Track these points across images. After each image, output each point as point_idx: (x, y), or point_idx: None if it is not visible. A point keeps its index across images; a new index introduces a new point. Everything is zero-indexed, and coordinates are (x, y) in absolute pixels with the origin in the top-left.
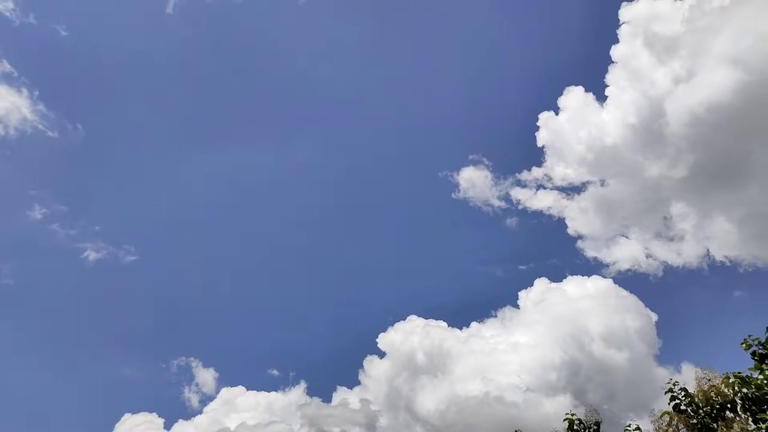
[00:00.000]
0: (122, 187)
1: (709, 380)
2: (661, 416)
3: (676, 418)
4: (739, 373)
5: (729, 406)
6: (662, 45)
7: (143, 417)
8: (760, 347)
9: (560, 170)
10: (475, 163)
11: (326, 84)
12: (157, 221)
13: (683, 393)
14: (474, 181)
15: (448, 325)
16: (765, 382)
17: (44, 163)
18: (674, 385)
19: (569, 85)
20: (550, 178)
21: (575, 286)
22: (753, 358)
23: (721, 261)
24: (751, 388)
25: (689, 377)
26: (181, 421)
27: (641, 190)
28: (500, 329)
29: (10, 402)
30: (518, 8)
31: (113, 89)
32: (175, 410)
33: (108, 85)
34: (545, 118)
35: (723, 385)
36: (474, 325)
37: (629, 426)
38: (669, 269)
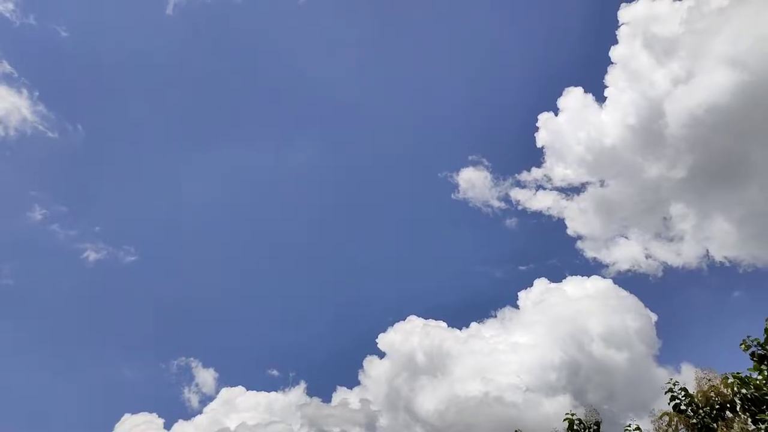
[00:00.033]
0: (122, 188)
1: (709, 380)
2: (661, 417)
3: (675, 419)
4: (738, 373)
5: (728, 406)
6: (661, 46)
7: (143, 417)
8: (759, 348)
9: (560, 171)
10: (474, 163)
11: (326, 84)
12: (156, 222)
13: (683, 393)
14: (473, 181)
15: (448, 326)
16: (764, 382)
17: (44, 163)
18: (674, 385)
19: (568, 85)
20: (549, 179)
21: (575, 286)
22: (752, 359)
23: (720, 261)
24: (750, 388)
25: (689, 377)
26: (181, 421)
27: (641, 190)
28: (500, 329)
29: (10, 402)
30: (517, 9)
31: (113, 90)
32: (175, 410)
33: (108, 85)
34: (545, 118)
35: (722, 385)
36: (474, 325)
37: (629, 426)
38: (668, 270)
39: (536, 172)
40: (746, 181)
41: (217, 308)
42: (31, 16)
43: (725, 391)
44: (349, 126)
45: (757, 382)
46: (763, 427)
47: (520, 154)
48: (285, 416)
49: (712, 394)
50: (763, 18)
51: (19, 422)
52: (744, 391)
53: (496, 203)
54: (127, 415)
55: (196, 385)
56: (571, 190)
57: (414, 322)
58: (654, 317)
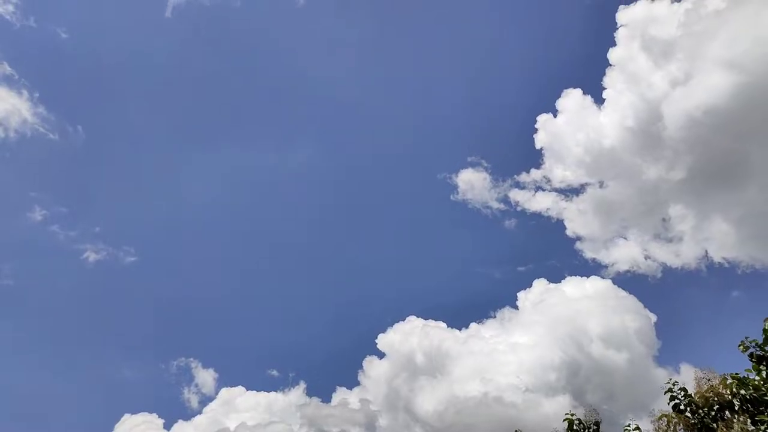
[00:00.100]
0: (122, 189)
1: (708, 381)
2: (660, 418)
3: (675, 420)
4: (737, 374)
5: (728, 407)
6: (659, 48)
7: (143, 417)
8: (758, 349)
9: (559, 172)
10: (473, 165)
11: (325, 85)
12: (156, 222)
13: (682, 393)
14: (473, 182)
15: (448, 326)
16: (762, 383)
17: (44, 164)
18: (673, 385)
19: (567, 87)
20: (548, 180)
21: (574, 287)
22: (750, 360)
23: (719, 262)
24: (749, 389)
25: (688, 378)
26: (180, 421)
27: (640, 191)
28: (499, 330)
29: (10, 402)
30: (516, 11)
31: (113, 91)
32: (174, 411)
33: (108, 87)
34: (543, 120)
35: (721, 386)
36: (473, 325)
37: (629, 426)
38: (668, 270)
39: (535, 174)
40: (745, 182)
41: (217, 308)
42: (31, 18)
43: (724, 391)
44: (348, 126)
45: (756, 382)
46: (762, 428)
47: (519, 156)
48: (285, 416)
49: (711, 394)
50: (760, 20)
51: (19, 422)
52: (743, 391)
53: (495, 204)
54: (126, 416)
55: (196, 385)
56: (570, 191)
57: (413, 323)
58: (653, 318)
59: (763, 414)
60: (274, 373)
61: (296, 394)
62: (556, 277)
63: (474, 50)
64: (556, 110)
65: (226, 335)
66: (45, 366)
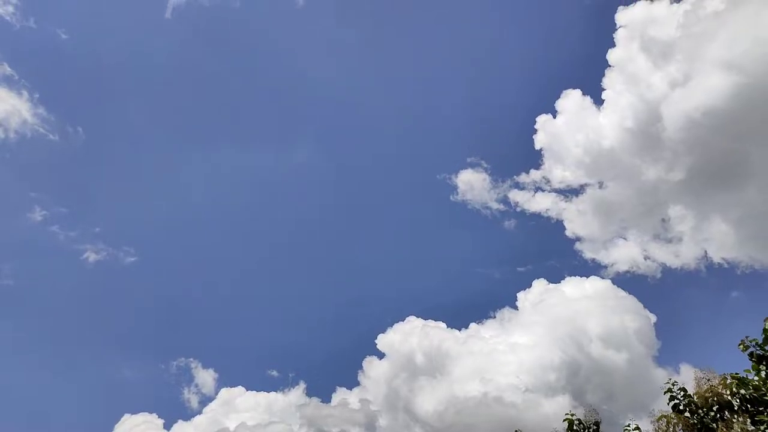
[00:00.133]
0: (122, 189)
1: (708, 380)
2: (659, 419)
3: (674, 420)
4: (736, 374)
5: (727, 406)
6: (658, 49)
7: (143, 417)
8: (758, 348)
9: (558, 173)
10: (473, 165)
11: (325, 85)
12: (156, 223)
13: (682, 393)
14: (472, 183)
15: (447, 326)
16: (762, 383)
17: (44, 165)
18: (673, 385)
19: (567, 88)
20: (548, 181)
21: (574, 287)
22: (750, 360)
23: (718, 263)
24: (749, 389)
25: (687, 378)
26: (180, 421)
27: (639, 192)
28: (499, 330)
29: (10, 402)
30: (516, 12)
31: (113, 92)
32: (174, 411)
33: (108, 88)
34: (543, 121)
35: (721, 386)
36: (473, 326)
37: (628, 426)
38: (667, 271)
39: (535, 174)
40: (744, 183)
41: (217, 308)
42: (31, 19)
43: (723, 391)
44: (348, 127)
45: (755, 382)
46: (762, 428)
47: (519, 156)
48: (284, 416)
49: (711, 394)
50: (759, 21)
51: (19, 422)
52: (743, 391)
53: (494, 205)
54: (126, 416)
55: (196, 385)
56: (569, 192)
57: (413, 323)
58: (653, 318)
59: (763, 414)
60: (274, 373)
61: (296, 395)
62: (555, 278)
63: (473, 51)
64: (556, 111)
65: (226, 335)
66: (45, 366)
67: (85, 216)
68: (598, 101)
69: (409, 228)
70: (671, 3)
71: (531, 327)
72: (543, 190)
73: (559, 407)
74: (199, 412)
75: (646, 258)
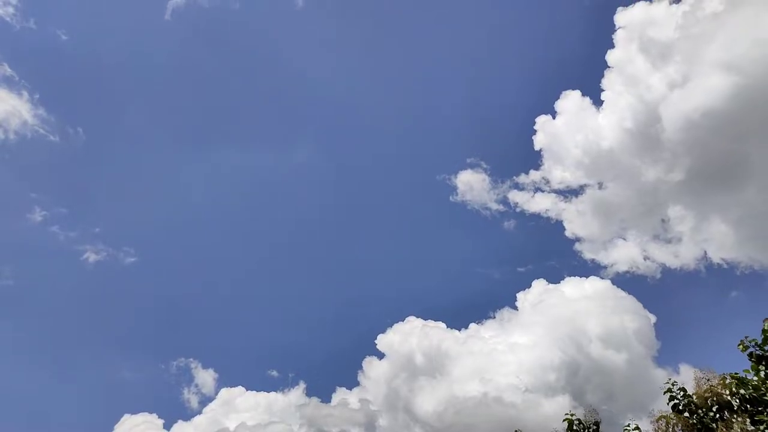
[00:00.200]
0: (122, 190)
1: (708, 380)
2: (658, 419)
3: (674, 420)
4: (736, 374)
5: (727, 406)
6: (657, 50)
7: (143, 417)
8: (757, 348)
9: (558, 173)
10: (472, 166)
11: (324, 86)
12: (156, 223)
13: (682, 393)
14: (472, 184)
15: (447, 327)
16: (762, 383)
17: (44, 166)
18: (673, 385)
19: (566, 89)
20: (547, 181)
21: (573, 287)
22: (750, 360)
23: (718, 263)
24: (749, 389)
25: (687, 378)
26: (180, 421)
27: (639, 193)
28: (499, 330)
29: (10, 403)
30: (515, 13)
31: (113, 93)
32: (174, 411)
33: (108, 88)
34: (542, 121)
35: (720, 386)
36: (472, 326)
37: (628, 426)
38: (667, 271)
39: (534, 175)
40: (743, 184)
41: (217, 309)
42: (31, 19)
43: (723, 391)
44: (348, 127)
45: (755, 382)
46: (762, 428)
47: (518, 157)
48: (284, 416)
49: (710, 394)
50: (757, 22)
51: (19, 422)
52: (742, 391)
53: (494, 205)
54: (126, 416)
55: (196, 385)
56: (569, 193)
57: (413, 323)
58: (653, 318)
59: (763, 414)
60: (274, 373)
61: (296, 395)
62: (555, 278)
63: (473, 51)
64: (555, 112)
65: (226, 335)
66: (45, 366)
67: (85, 216)
68: (598, 102)
69: (408, 228)
70: (670, 4)
71: (531, 327)
72: (542, 191)
73: (558, 407)
74: (199, 412)
75: (645, 258)
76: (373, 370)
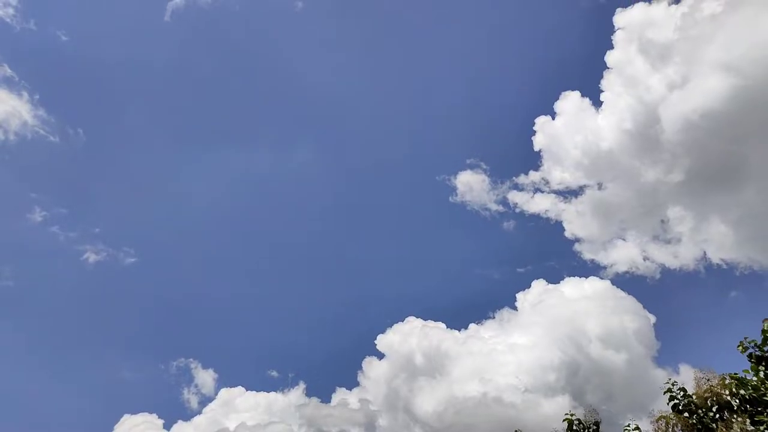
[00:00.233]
0: (122, 190)
1: (708, 380)
2: (658, 419)
3: (674, 420)
4: (736, 374)
5: (726, 407)
6: (657, 51)
7: (143, 418)
8: (756, 349)
9: (557, 174)
10: (472, 167)
11: (324, 87)
12: (156, 223)
13: (682, 393)
14: (471, 184)
15: (447, 327)
16: (761, 383)
17: (44, 166)
18: (673, 385)
19: (565, 89)
20: (547, 182)
21: (573, 287)
22: (749, 360)
23: (717, 264)
24: (749, 389)
25: (687, 378)
26: (180, 421)
27: (638, 193)
28: (498, 331)
29: (10, 403)
30: (515, 14)
31: (113, 94)
32: (174, 411)
33: (108, 89)
34: (542, 122)
35: (720, 386)
36: (472, 326)
37: (628, 426)
38: (666, 271)
39: (534, 175)
40: (742, 184)
41: (217, 308)
42: (31, 20)
43: (723, 392)
44: (347, 128)
45: (754, 383)
46: (761, 428)
47: (518, 157)
48: (284, 416)
49: (710, 394)
50: (756, 24)
51: (19, 423)
52: (742, 392)
53: (494, 206)
54: (126, 416)
55: (196, 385)
56: (568, 193)
57: (413, 324)
58: (652, 318)
59: (762, 414)
60: (274, 373)
61: (296, 395)
62: (554, 278)
63: (473, 53)
64: (555, 112)
65: (226, 335)
66: (45, 366)
67: (85, 217)
68: (597, 103)
69: (408, 229)
70: (669, 5)
71: (530, 327)
72: (542, 191)
73: (558, 407)
74: (199, 413)
75: (645, 259)
76: (372, 370)
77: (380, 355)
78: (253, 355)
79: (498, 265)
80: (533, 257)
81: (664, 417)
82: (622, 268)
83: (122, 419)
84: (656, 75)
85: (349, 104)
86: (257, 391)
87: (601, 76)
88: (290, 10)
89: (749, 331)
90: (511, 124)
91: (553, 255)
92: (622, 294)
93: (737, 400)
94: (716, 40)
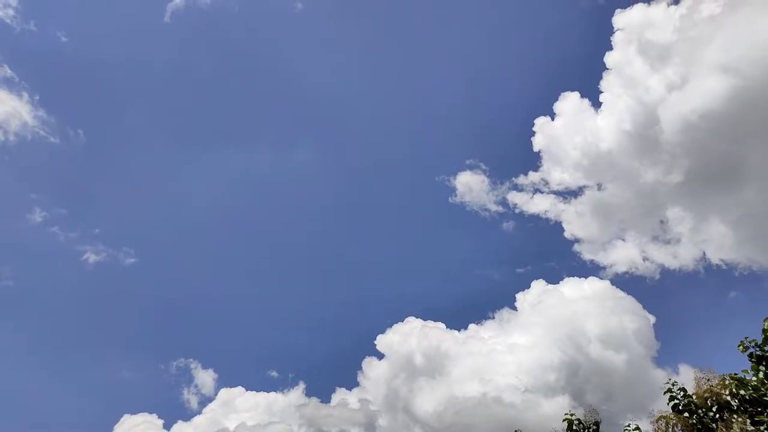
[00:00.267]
0: (122, 191)
1: (708, 381)
2: (658, 419)
3: (673, 420)
4: (736, 374)
5: (726, 407)
6: (656, 52)
7: (142, 418)
8: (757, 349)
9: (557, 175)
10: (472, 167)
11: (324, 88)
12: (156, 224)
13: (682, 393)
14: (471, 185)
15: (447, 327)
16: (761, 383)
17: (45, 167)
18: (673, 385)
19: (565, 90)
20: (546, 183)
21: (572, 288)
22: (750, 360)
23: (717, 264)
24: (749, 389)
25: (687, 378)
26: (180, 422)
27: (637, 194)
28: (498, 331)
29: (10, 403)
30: (514, 14)
31: (113, 94)
32: (174, 411)
33: (108, 90)
34: (541, 123)
35: (720, 386)
36: (472, 326)
37: (628, 426)
38: (666, 272)
39: (533, 176)
40: (742, 185)
41: (217, 309)
42: (31, 21)
43: (723, 392)
44: (347, 129)
45: (755, 383)
46: (762, 428)
47: (518, 158)
48: (284, 417)
49: (710, 394)
50: (755, 24)
51: (19, 423)
52: (742, 392)
53: (493, 207)
54: (126, 416)
55: (196, 385)
56: (568, 194)
57: (412, 324)
58: (652, 319)
59: (762, 414)
60: (274, 373)
61: (296, 395)
62: (554, 279)
63: (472, 54)
64: (554, 113)
65: (226, 335)
66: (45, 366)
67: (85, 217)
68: (596, 104)
69: (408, 229)
70: (668, 6)
71: (530, 328)
72: (541, 192)
73: (558, 407)
74: (199, 413)
75: (644, 259)
76: (372, 370)
77: (380, 356)
78: (253, 355)
79: (498, 265)
80: (533, 257)
81: (664, 417)
82: (621, 268)
83: (122, 419)
84: (655, 76)
85: (349, 104)
86: (257, 391)
87: (601, 77)
88: (290, 11)
89: (749, 332)
90: (510, 125)
91: (552, 255)
92: (622, 294)
93: (737, 400)
94: (715, 41)
